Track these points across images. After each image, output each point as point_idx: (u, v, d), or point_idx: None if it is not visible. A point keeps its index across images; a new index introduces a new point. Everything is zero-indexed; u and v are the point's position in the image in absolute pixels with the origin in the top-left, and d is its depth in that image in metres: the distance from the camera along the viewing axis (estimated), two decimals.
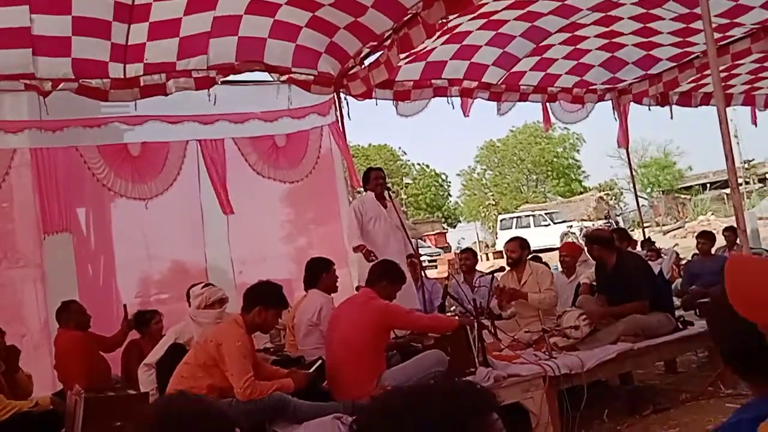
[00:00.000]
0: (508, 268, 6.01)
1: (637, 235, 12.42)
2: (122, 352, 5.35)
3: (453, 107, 7.50)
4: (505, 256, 6.11)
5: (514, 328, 5.50)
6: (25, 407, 3.95)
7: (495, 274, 6.09)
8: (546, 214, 29.58)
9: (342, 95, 6.99)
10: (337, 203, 7.36)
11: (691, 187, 39.19)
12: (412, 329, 4.64)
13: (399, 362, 4.29)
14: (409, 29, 5.45)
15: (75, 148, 6.11)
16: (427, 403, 1.04)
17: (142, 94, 5.66)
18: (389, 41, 5.80)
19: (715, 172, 37.14)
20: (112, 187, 6.24)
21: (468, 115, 7.79)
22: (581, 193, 40.57)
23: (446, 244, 30.75)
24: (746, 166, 35.13)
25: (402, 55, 5.91)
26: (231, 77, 6.10)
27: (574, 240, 19.35)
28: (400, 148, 46.13)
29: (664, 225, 30.91)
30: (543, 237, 24.71)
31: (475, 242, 31.02)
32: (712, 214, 29.09)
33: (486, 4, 5.89)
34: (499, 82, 7.59)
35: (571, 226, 26.79)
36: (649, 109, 8.92)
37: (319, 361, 4.12)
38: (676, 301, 6.54)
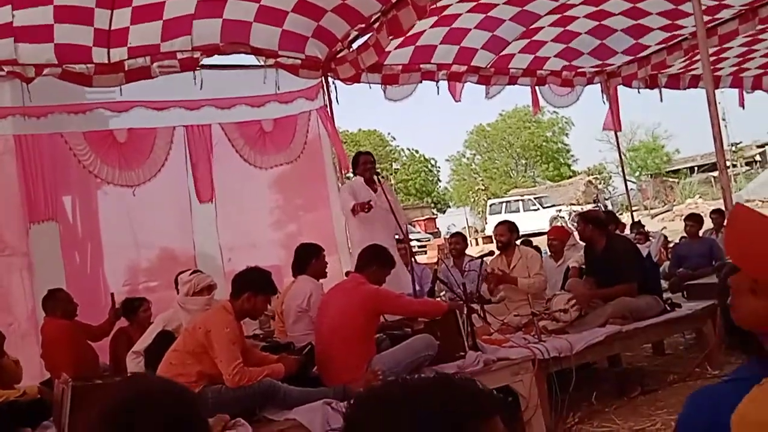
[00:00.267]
0: (497, 252, 6.02)
1: (625, 218, 12.48)
2: (110, 340, 5.32)
3: (439, 93, 7.45)
4: (494, 240, 6.12)
5: (504, 312, 5.51)
6: (12, 396, 3.92)
7: (484, 259, 6.09)
8: (535, 198, 29.69)
9: (330, 79, 6.93)
10: (326, 188, 7.32)
11: (679, 170, 39.41)
12: (401, 314, 4.64)
13: (389, 347, 4.28)
14: (398, 11, 5.40)
15: (60, 135, 6.02)
16: (426, 394, 1.03)
17: (127, 79, 5.59)
18: (378, 24, 5.74)
19: (703, 155, 37.40)
20: (98, 174, 6.17)
21: (459, 100, 7.75)
22: (570, 177, 40.73)
23: (436, 230, 30.80)
24: (733, 149, 35.38)
25: (391, 39, 5.86)
26: (218, 62, 6.04)
27: (563, 224, 19.43)
28: (389, 133, 46.02)
29: (652, 208, 31.09)
30: (532, 221, 24.78)
31: (465, 227, 31.08)
32: (700, 197, 29.30)
33: None
34: (488, 66, 7.56)
35: (560, 210, 26.91)
36: (639, 92, 8.92)
37: (309, 347, 4.12)
38: (664, 284, 6.60)
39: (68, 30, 5.07)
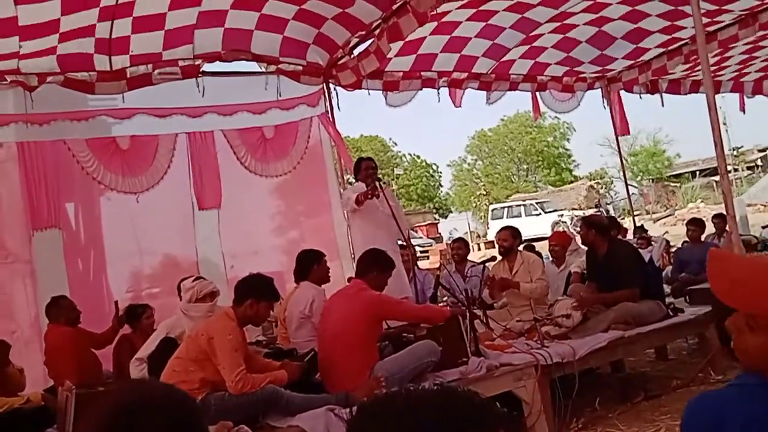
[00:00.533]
0: (499, 258, 6.02)
1: (627, 223, 12.47)
2: (114, 347, 5.31)
3: (439, 100, 7.47)
4: (496, 245, 6.12)
5: (506, 318, 5.51)
6: (16, 404, 3.93)
7: (486, 264, 6.09)
8: (537, 203, 29.66)
9: (331, 86, 6.95)
10: (327, 194, 7.32)
11: (680, 174, 39.39)
12: (403, 319, 4.64)
13: (391, 353, 4.28)
14: (398, 18, 5.41)
15: (63, 142, 6.04)
16: (429, 405, 1.03)
17: (129, 86, 5.62)
18: (378, 30, 5.76)
19: (704, 159, 37.37)
20: (101, 180, 6.17)
21: (459, 106, 7.77)
22: (572, 182, 40.67)
23: (438, 235, 30.76)
24: (735, 153, 35.35)
25: (392, 46, 5.87)
26: (219, 69, 6.05)
27: (566, 229, 19.41)
28: (390, 139, 46.14)
29: (654, 213, 31.06)
30: (534, 226, 24.77)
31: (467, 232, 31.06)
32: (702, 201, 29.25)
33: None
34: (489, 72, 7.57)
35: (561, 215, 26.87)
36: (641, 97, 8.94)
37: (311, 353, 4.12)
38: (666, 289, 6.58)
39: (70, 41, 5.11)
